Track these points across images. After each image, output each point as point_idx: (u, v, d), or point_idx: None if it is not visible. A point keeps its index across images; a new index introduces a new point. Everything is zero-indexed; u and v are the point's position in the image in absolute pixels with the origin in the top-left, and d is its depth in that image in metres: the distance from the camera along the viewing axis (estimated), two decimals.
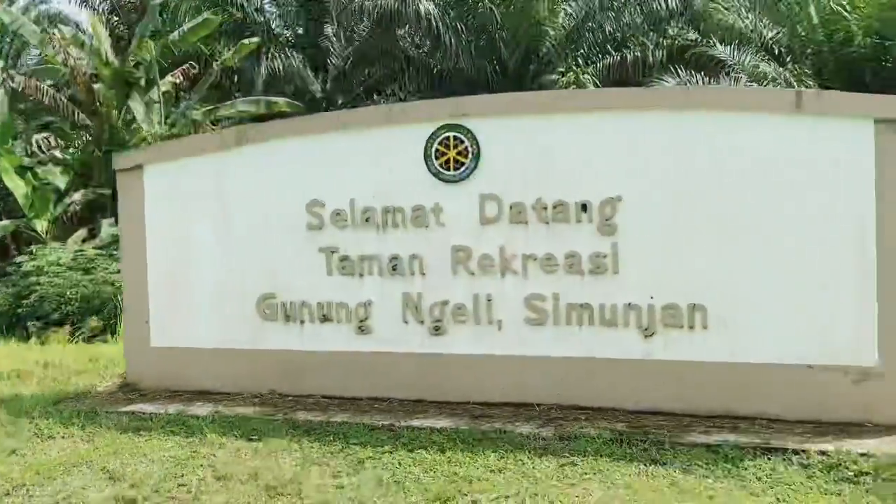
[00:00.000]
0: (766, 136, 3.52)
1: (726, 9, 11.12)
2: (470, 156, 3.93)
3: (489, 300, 3.93)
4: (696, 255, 3.62)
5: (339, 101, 15.48)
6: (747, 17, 10.94)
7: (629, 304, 3.72)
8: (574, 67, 13.18)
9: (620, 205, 3.72)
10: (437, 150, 3.97)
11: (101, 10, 17.61)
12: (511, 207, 3.88)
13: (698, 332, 3.63)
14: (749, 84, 10.91)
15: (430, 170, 3.99)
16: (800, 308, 3.49)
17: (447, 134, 3.95)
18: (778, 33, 10.96)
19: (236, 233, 4.33)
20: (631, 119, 3.72)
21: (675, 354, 3.67)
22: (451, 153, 3.96)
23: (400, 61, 15.02)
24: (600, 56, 14.57)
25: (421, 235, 4.02)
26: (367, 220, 4.11)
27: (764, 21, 11.02)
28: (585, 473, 3.12)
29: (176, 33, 10.79)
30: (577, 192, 3.78)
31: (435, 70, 15.38)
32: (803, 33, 10.74)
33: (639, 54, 14.19)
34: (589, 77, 13.09)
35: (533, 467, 3.19)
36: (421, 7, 13.40)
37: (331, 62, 15.31)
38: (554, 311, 3.84)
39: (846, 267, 3.44)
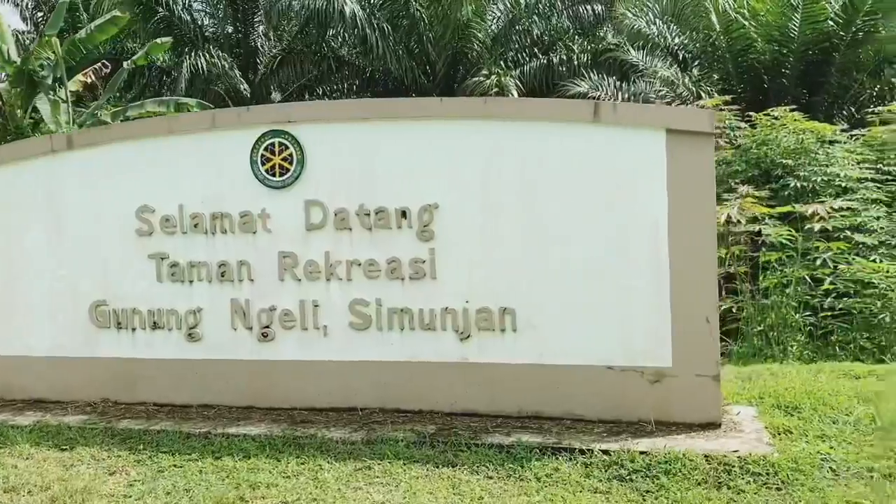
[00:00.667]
0: (567, 146, 3.62)
1: (635, 15, 11.39)
2: (295, 162, 3.95)
3: (315, 306, 3.96)
4: (506, 261, 3.70)
5: (276, 101, 15.32)
6: (654, 24, 11.22)
7: (446, 308, 3.79)
8: (498, 70, 13.32)
9: (437, 212, 3.78)
10: (262, 155, 3.98)
11: (24, 5, 17.14)
12: (336, 214, 3.92)
13: (509, 335, 3.72)
14: (660, 89, 11.22)
15: (256, 176, 3.99)
16: (601, 311, 3.61)
17: (273, 140, 3.96)
18: (685, 39, 11.28)
19: (68, 239, 4.26)
20: (445, 128, 3.78)
21: (488, 357, 3.75)
22: (277, 159, 3.97)
23: (329, 61, 14.97)
24: (527, 59, 14.78)
25: (249, 241, 4.03)
26: (195, 226, 4.09)
27: (671, 27, 11.33)
28: (376, 477, 3.18)
29: (83, 31, 10.53)
30: (397, 199, 3.83)
31: (366, 71, 15.38)
32: (713, 39, 11.07)
33: (565, 57, 14.44)
34: (512, 80, 13.24)
35: (328, 472, 3.23)
36: (346, 8, 13.36)
37: (259, 61, 15.18)
38: (377, 316, 3.88)
39: (643, 271, 3.56)
